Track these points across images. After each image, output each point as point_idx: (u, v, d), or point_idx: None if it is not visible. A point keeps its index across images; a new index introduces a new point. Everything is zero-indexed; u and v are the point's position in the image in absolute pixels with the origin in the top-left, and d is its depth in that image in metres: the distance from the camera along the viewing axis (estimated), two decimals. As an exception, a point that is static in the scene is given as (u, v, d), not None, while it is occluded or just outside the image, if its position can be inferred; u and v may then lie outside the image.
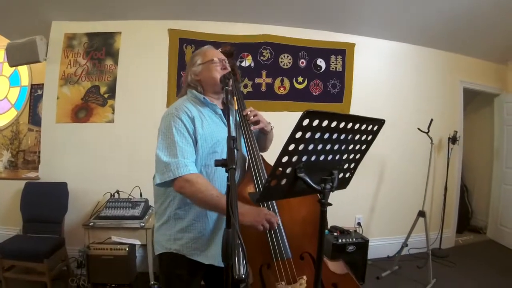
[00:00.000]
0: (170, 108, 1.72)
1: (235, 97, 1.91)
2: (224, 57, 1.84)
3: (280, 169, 1.12)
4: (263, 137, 2.01)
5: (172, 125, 1.63)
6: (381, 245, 4.46)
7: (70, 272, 3.54)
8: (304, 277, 1.70)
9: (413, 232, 3.96)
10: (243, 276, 0.94)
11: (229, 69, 1.83)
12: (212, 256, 1.69)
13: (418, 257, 4.37)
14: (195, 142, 1.65)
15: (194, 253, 1.69)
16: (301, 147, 1.10)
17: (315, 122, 1.06)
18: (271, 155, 1.56)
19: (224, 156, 1.44)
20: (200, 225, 1.69)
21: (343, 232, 3.83)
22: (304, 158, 1.14)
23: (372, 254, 4.05)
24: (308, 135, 1.07)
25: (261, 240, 1.70)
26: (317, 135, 1.10)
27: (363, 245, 3.71)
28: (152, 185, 1.70)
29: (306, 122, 1.03)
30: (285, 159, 1.10)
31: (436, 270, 3.87)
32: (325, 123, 1.09)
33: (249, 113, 1.89)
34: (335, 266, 1.85)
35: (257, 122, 1.88)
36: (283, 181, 1.16)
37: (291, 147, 1.08)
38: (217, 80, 1.75)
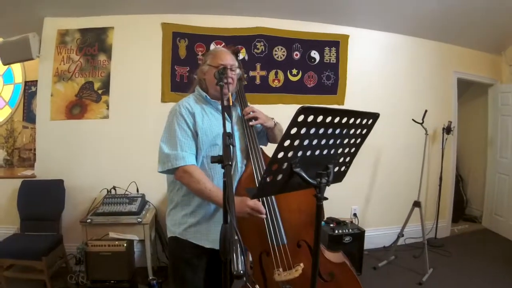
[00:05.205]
0: (175, 105, 1.87)
1: (230, 94, 1.93)
2: (233, 63, 1.90)
3: (276, 165, 1.13)
4: (270, 132, 2.11)
5: (174, 120, 1.79)
6: (377, 235, 4.50)
7: (68, 269, 3.55)
8: (301, 264, 1.78)
9: (409, 222, 3.99)
10: (241, 271, 0.96)
11: (234, 79, 1.91)
12: (214, 240, 1.76)
13: (414, 246, 4.42)
14: (196, 135, 1.79)
15: (196, 237, 1.81)
16: (296, 142, 1.10)
17: (310, 118, 1.06)
18: (268, 150, 1.59)
19: None
20: (203, 211, 1.81)
21: (340, 223, 3.87)
22: (299, 153, 1.15)
23: (368, 244, 4.10)
24: (303, 130, 1.08)
25: (260, 229, 1.79)
26: (312, 131, 1.11)
27: (359, 235, 3.75)
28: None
29: (301, 118, 1.04)
30: (280, 155, 1.11)
31: (432, 259, 3.91)
32: (320, 118, 1.09)
33: (247, 109, 1.99)
34: (333, 256, 1.92)
35: (255, 118, 1.97)
36: (279, 177, 1.17)
37: (287, 142, 1.08)
38: (217, 87, 1.79)
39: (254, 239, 1.82)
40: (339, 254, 1.96)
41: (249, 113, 1.97)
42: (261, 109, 2.05)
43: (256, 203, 1.68)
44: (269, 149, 1.83)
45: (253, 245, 1.84)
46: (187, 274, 1.82)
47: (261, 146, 2.01)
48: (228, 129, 1.45)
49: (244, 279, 0.97)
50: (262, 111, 2.04)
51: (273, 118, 2.08)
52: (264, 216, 1.71)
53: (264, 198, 1.80)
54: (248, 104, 2.11)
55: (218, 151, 1.76)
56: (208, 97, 1.88)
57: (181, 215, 1.84)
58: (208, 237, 1.80)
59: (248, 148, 1.93)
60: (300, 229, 1.85)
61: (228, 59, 1.90)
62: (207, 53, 2.00)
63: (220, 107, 1.82)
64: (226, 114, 1.82)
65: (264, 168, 1.83)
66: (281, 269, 1.76)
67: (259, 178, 1.82)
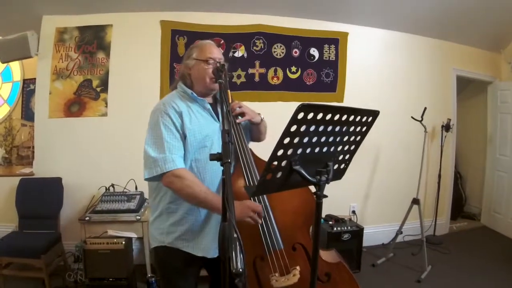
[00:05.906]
0: (158, 103, 1.74)
1: (228, 90, 1.90)
2: (220, 56, 1.80)
3: (275, 162, 1.12)
4: (255, 128, 2.01)
5: (160, 120, 1.64)
6: (376, 232, 4.50)
7: (67, 267, 3.54)
8: (298, 267, 1.73)
9: (408, 220, 4.00)
10: (241, 270, 0.95)
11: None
12: (204, 248, 1.72)
13: (413, 244, 4.41)
14: (184, 137, 1.66)
15: (187, 246, 1.72)
16: (296, 140, 1.09)
17: (310, 115, 1.05)
18: (266, 148, 1.57)
19: (214, 150, 1.48)
20: (192, 218, 1.71)
21: (338, 220, 3.87)
22: (299, 151, 1.14)
23: (367, 241, 4.12)
24: (303, 128, 1.07)
25: (253, 233, 1.73)
26: (312, 128, 1.10)
27: (358, 233, 3.76)
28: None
29: (301, 115, 1.03)
30: (280, 152, 1.09)
31: (431, 257, 3.91)
32: (319, 115, 1.08)
33: (233, 105, 1.85)
34: (327, 255, 1.89)
35: (242, 114, 1.86)
36: (279, 174, 1.16)
37: (286, 140, 1.07)
38: (206, 82, 1.75)
39: (247, 244, 1.71)
40: (332, 252, 1.93)
41: (236, 109, 1.85)
42: (260, 106, 1.99)
43: (256, 204, 1.61)
44: (261, 149, 1.82)
45: (246, 250, 1.75)
46: (180, 282, 1.77)
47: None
48: (219, 129, 1.39)
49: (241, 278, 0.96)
50: (249, 106, 1.92)
51: (259, 113, 1.97)
52: (260, 222, 1.64)
53: (257, 202, 1.72)
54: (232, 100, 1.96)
55: (207, 153, 1.58)
56: (194, 94, 1.75)
57: (168, 223, 1.72)
58: (199, 245, 1.72)
59: (236, 148, 1.82)
60: (295, 232, 1.81)
61: (216, 52, 1.79)
62: (191, 47, 1.86)
63: (207, 105, 1.78)
64: (213, 112, 1.79)
65: (255, 168, 1.79)
66: (277, 274, 1.71)
67: (250, 179, 1.76)
